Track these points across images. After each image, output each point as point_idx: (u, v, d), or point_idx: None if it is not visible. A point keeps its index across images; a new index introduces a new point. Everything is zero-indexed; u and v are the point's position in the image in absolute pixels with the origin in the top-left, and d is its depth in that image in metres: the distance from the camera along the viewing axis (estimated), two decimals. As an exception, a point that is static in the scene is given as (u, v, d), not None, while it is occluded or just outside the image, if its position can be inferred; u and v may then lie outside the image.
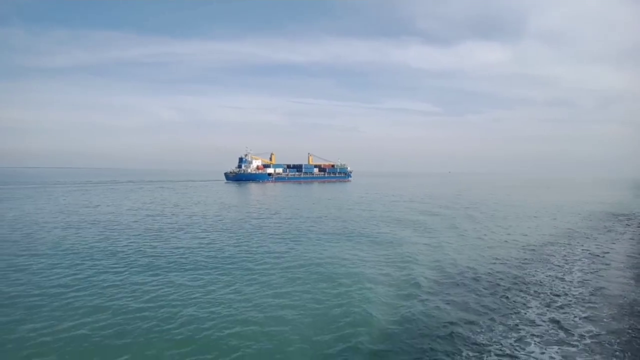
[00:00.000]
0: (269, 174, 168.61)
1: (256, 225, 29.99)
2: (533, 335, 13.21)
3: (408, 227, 31.20)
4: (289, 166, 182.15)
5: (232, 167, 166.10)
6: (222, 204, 44.42)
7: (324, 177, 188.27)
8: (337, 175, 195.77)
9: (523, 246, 24.54)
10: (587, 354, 11.91)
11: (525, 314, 14.56)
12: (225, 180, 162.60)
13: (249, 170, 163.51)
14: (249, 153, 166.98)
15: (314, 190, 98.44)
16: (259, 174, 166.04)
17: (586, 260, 21.76)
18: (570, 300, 15.43)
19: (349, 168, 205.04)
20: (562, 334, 13.09)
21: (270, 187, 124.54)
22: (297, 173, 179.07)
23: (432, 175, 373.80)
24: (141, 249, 19.53)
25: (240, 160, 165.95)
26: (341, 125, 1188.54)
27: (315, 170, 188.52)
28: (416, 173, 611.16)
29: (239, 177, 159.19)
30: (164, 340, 12.34)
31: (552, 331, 13.38)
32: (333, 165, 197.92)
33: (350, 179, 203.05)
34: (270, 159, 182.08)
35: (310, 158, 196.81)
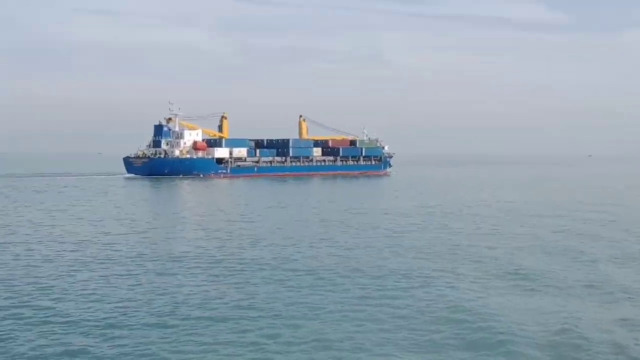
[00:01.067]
0: (219, 161, 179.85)
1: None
2: None
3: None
4: (258, 144, 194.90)
5: (140, 145, 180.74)
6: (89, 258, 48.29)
7: (335, 168, 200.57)
8: (362, 162, 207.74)
9: None
10: None
11: None
12: (126, 174, 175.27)
13: (177, 153, 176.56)
14: (175, 115, 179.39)
15: (319, 204, 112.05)
16: (197, 160, 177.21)
17: None
18: None
19: (386, 148, 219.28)
20: None
21: (222, 192, 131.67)
22: (278, 159, 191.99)
23: (550, 163, 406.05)
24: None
25: (158, 131, 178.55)
26: (345, 51, 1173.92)
27: (316, 152, 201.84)
28: (506, 157, 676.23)
29: (154, 167, 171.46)
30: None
31: None
32: (353, 142, 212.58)
33: (388, 169, 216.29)
34: (220, 128, 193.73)
35: (304, 126, 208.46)
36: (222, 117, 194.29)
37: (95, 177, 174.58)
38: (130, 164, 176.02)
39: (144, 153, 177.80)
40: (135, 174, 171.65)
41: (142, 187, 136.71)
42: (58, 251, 49.72)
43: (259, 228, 65.10)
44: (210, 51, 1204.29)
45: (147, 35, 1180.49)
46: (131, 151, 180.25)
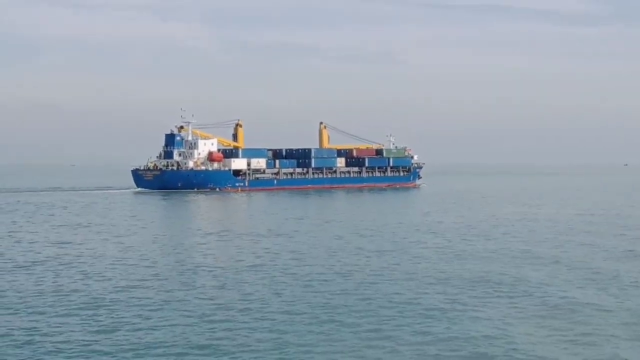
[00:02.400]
0: (236, 173, 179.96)
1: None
2: None
3: None
4: (277, 154, 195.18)
5: (150, 156, 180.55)
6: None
7: (361, 180, 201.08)
8: (389, 173, 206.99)
9: None
10: None
11: None
12: (135, 188, 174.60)
13: (191, 165, 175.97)
14: (187, 123, 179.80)
15: (352, 219, 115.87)
16: (213, 172, 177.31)
17: None
18: None
19: (415, 157, 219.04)
20: None
21: (242, 208, 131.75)
22: (299, 170, 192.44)
23: (590, 173, 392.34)
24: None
25: (170, 140, 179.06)
26: (353, 46, 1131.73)
27: (340, 162, 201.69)
28: (535, 167, 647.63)
29: (166, 180, 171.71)
30: None
31: None
32: (379, 151, 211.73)
33: (417, 181, 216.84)
34: (235, 136, 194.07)
35: (325, 134, 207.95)
36: (237, 124, 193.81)
37: (100, 191, 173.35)
38: (139, 177, 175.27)
39: (155, 165, 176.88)
40: (146, 187, 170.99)
41: (155, 203, 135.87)
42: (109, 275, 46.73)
43: (296, 248, 64.52)
44: (196, 47, 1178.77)
45: (125, 30, 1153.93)
46: (142, 163, 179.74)
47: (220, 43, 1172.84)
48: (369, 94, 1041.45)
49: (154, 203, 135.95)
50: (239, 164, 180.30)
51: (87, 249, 63.70)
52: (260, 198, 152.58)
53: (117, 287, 44.55)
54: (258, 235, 75.90)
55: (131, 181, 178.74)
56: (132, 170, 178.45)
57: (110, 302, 39.77)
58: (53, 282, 46.19)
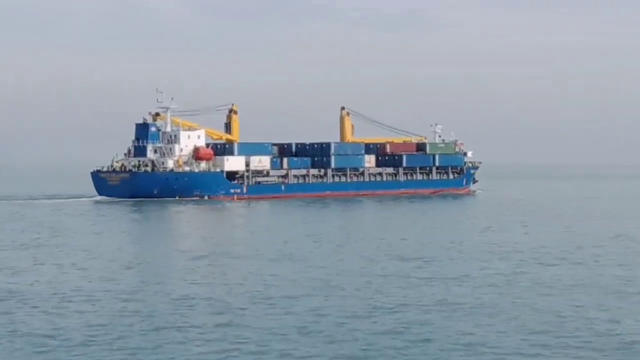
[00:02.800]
0: (231, 176, 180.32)
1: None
2: None
3: None
4: (284, 150, 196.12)
5: (115, 154, 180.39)
6: None
7: (397, 185, 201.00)
8: (434, 176, 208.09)
9: None
10: None
11: None
12: (97, 196, 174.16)
13: (171, 164, 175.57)
14: (164, 109, 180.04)
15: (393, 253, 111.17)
16: (201, 174, 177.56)
17: None
18: None
19: (469, 154, 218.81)
20: None
21: (240, 222, 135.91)
22: (314, 172, 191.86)
23: None
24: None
25: (142, 132, 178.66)
26: (368, 7, 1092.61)
27: (368, 160, 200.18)
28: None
29: (138, 185, 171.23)
30: None
31: None
32: (421, 146, 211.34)
33: (469, 186, 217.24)
34: (228, 127, 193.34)
35: (347, 123, 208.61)
36: (231, 110, 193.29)
37: (47, 201, 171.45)
38: (102, 181, 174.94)
39: (122, 165, 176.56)
40: (110, 195, 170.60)
41: (122, 216, 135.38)
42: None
43: (316, 275, 64.99)
44: (161, 10, 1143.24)
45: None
46: (105, 164, 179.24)
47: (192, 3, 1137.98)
48: (397, 69, 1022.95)
49: (121, 215, 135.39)
50: (234, 163, 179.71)
51: (35, 280, 63.64)
52: (263, 209, 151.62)
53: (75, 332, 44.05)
54: (263, 260, 75.92)
55: (90, 187, 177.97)
56: (91, 173, 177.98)
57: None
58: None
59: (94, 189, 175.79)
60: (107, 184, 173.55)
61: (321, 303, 52.10)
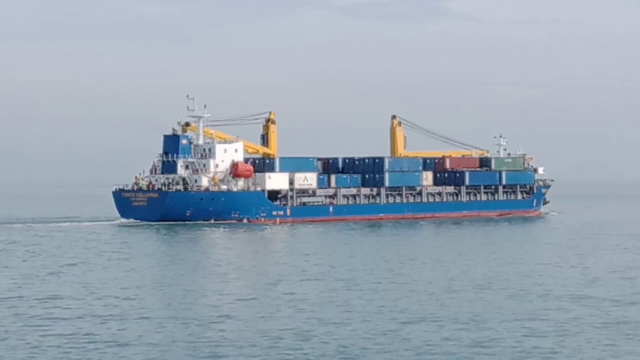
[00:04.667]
0: (273, 195, 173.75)
1: None
2: None
3: None
4: (330, 165, 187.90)
5: (142, 170, 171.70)
6: None
7: (459, 206, 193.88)
8: (501, 196, 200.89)
9: None
10: None
11: None
12: (120, 219, 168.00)
13: (205, 182, 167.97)
14: (196, 119, 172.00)
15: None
16: (240, 194, 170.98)
17: None
18: None
19: (540, 171, 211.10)
20: None
21: (286, 249, 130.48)
22: (366, 191, 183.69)
23: None
24: None
25: (172, 144, 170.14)
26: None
27: (426, 177, 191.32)
28: None
29: (169, 206, 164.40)
30: None
31: None
32: (485, 161, 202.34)
33: (540, 208, 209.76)
34: (265, 138, 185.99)
35: (399, 134, 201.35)
36: (268, 120, 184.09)
37: (65, 223, 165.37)
38: (126, 202, 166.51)
39: (150, 183, 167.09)
40: (137, 218, 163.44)
41: (151, 242, 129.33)
42: None
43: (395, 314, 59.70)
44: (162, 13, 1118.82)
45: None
46: (127, 182, 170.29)
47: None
48: (434, 67, 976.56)
49: (150, 241, 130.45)
50: (277, 181, 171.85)
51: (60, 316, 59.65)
52: (310, 235, 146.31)
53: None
54: (324, 292, 72.18)
55: (113, 208, 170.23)
56: (114, 192, 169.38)
57: None
58: None
59: (116, 210, 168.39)
60: (131, 205, 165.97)
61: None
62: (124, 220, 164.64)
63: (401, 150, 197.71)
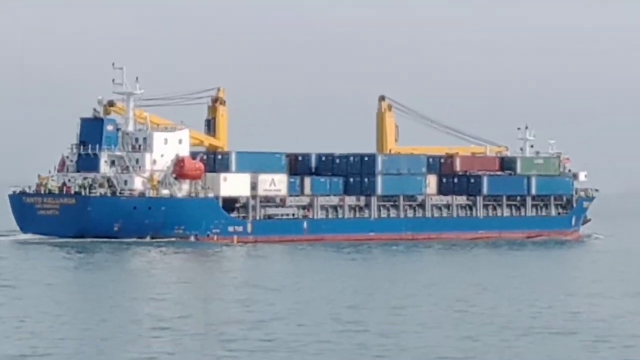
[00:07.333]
0: (229, 204, 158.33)
1: None
2: None
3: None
4: (301, 164, 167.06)
5: (52, 166, 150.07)
6: None
7: (474, 223, 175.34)
8: (529, 211, 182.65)
9: None
10: None
11: None
12: (19, 234, 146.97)
13: (138, 184, 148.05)
14: (126, 96, 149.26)
15: None
16: (186, 201, 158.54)
17: None
18: None
19: (581, 177, 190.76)
20: None
21: (245, 279, 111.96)
22: (351, 200, 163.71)
23: None
24: None
25: (93, 131, 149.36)
26: None
27: (430, 181, 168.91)
28: None
29: (87, 216, 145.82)
30: None
31: None
32: (507, 162, 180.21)
33: (578, 229, 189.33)
34: (211, 124, 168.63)
35: (390, 121, 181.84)
36: (216, 100, 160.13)
37: None
38: (28, 210, 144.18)
39: (63, 185, 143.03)
40: (44, 233, 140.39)
41: (65, 269, 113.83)
42: None
43: None
44: None
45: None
46: (23, 184, 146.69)
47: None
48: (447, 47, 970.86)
49: (62, 268, 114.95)
50: (234, 184, 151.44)
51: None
52: (277, 257, 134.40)
53: None
54: (293, 342, 55.75)
55: (8, 218, 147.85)
56: (10, 196, 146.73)
57: None
58: None
59: (13, 221, 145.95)
60: (36, 214, 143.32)
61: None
62: (24, 235, 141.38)
63: (391, 145, 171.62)
